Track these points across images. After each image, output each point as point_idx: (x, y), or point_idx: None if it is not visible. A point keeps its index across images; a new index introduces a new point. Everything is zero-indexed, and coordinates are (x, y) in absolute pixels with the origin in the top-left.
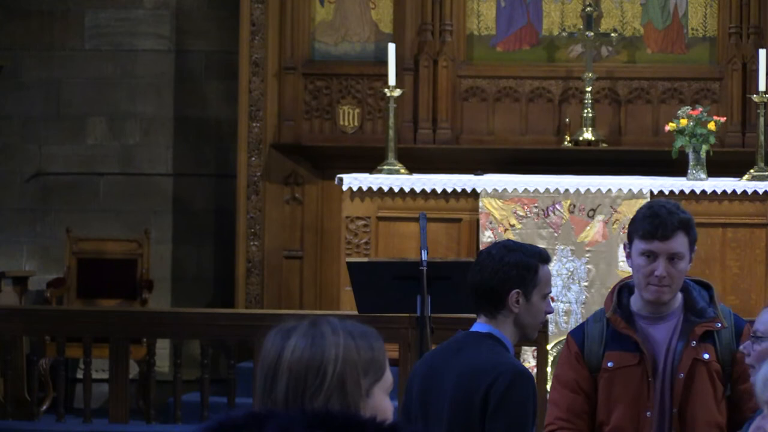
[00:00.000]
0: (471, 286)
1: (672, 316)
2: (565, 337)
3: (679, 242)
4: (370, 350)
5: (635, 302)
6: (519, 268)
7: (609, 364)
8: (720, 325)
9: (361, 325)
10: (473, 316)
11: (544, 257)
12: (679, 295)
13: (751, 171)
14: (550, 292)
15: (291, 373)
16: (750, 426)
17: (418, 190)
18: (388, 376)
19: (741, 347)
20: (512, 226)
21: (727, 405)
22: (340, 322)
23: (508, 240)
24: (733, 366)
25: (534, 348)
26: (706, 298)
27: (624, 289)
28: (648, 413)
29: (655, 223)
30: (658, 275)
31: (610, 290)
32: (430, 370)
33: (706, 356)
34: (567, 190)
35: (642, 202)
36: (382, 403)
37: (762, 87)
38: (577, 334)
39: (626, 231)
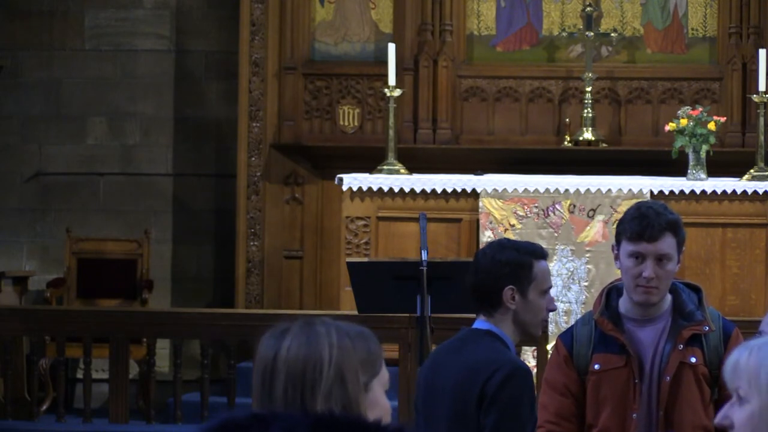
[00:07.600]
0: (468, 286)
1: (661, 318)
2: None
3: (667, 243)
4: (365, 346)
5: (624, 304)
6: (511, 265)
7: (596, 367)
8: (708, 328)
9: (356, 326)
10: (473, 316)
11: (538, 253)
12: (669, 298)
13: (751, 171)
14: (550, 287)
15: (288, 370)
16: (719, 414)
17: (418, 190)
18: (385, 372)
19: None
20: (512, 226)
21: (714, 409)
22: (333, 321)
23: (504, 238)
24: (721, 370)
25: (534, 348)
26: (695, 300)
27: (613, 291)
28: (634, 415)
29: (643, 224)
30: (647, 276)
31: (599, 292)
32: (433, 367)
33: (693, 360)
34: (567, 190)
35: None
36: (381, 399)
37: (762, 87)
38: (566, 338)
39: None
